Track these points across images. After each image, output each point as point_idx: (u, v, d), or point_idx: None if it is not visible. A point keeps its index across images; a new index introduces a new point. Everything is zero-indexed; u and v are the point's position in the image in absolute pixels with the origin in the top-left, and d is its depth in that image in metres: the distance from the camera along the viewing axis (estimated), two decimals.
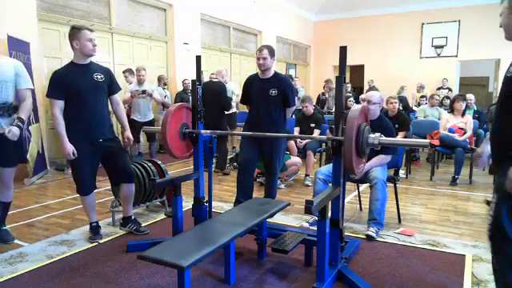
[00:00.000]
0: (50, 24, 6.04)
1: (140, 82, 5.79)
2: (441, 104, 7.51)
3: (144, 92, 5.67)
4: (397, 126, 4.70)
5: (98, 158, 3.06)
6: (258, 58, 3.48)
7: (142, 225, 3.42)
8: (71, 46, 2.93)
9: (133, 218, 3.32)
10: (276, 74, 3.61)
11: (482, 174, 5.55)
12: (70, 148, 2.87)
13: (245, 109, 6.52)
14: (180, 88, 7.85)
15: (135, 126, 5.42)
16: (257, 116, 3.57)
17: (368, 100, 3.43)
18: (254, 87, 3.61)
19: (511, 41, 1.66)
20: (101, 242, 3.08)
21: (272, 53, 3.51)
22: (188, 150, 2.97)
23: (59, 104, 2.88)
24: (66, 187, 4.80)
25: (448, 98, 7.83)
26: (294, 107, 3.82)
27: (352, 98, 7.71)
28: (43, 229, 3.43)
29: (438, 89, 10.54)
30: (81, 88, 2.91)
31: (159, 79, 7.31)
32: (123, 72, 6.58)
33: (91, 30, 2.93)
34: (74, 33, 2.89)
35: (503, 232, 1.57)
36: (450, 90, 10.66)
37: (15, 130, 2.75)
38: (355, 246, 2.86)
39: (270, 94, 3.51)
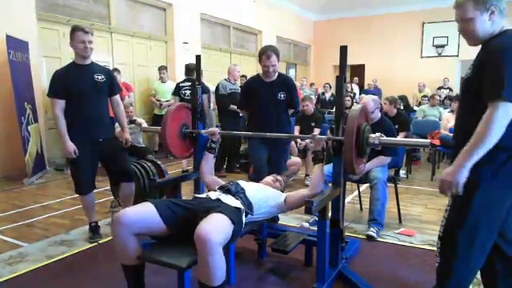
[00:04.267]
0: (50, 23, 6.02)
1: (131, 120, 5.17)
2: (441, 103, 7.50)
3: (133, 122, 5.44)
4: (397, 126, 4.69)
5: (97, 157, 3.07)
6: (267, 66, 3.19)
7: None
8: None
9: None
10: (280, 75, 3.41)
11: None
12: (71, 146, 2.89)
13: None
14: None
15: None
16: (265, 120, 3.35)
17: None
18: (259, 91, 3.39)
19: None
20: (100, 241, 3.07)
21: (279, 56, 3.28)
22: (188, 150, 2.97)
23: (60, 103, 2.90)
24: (66, 187, 4.79)
25: (450, 98, 7.81)
26: (299, 108, 3.70)
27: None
28: (43, 229, 3.42)
29: (439, 88, 10.52)
30: (81, 88, 2.93)
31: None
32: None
33: (86, 32, 2.90)
34: (70, 34, 2.93)
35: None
36: (450, 89, 10.66)
37: None
38: (355, 246, 2.86)
39: (278, 98, 3.33)
